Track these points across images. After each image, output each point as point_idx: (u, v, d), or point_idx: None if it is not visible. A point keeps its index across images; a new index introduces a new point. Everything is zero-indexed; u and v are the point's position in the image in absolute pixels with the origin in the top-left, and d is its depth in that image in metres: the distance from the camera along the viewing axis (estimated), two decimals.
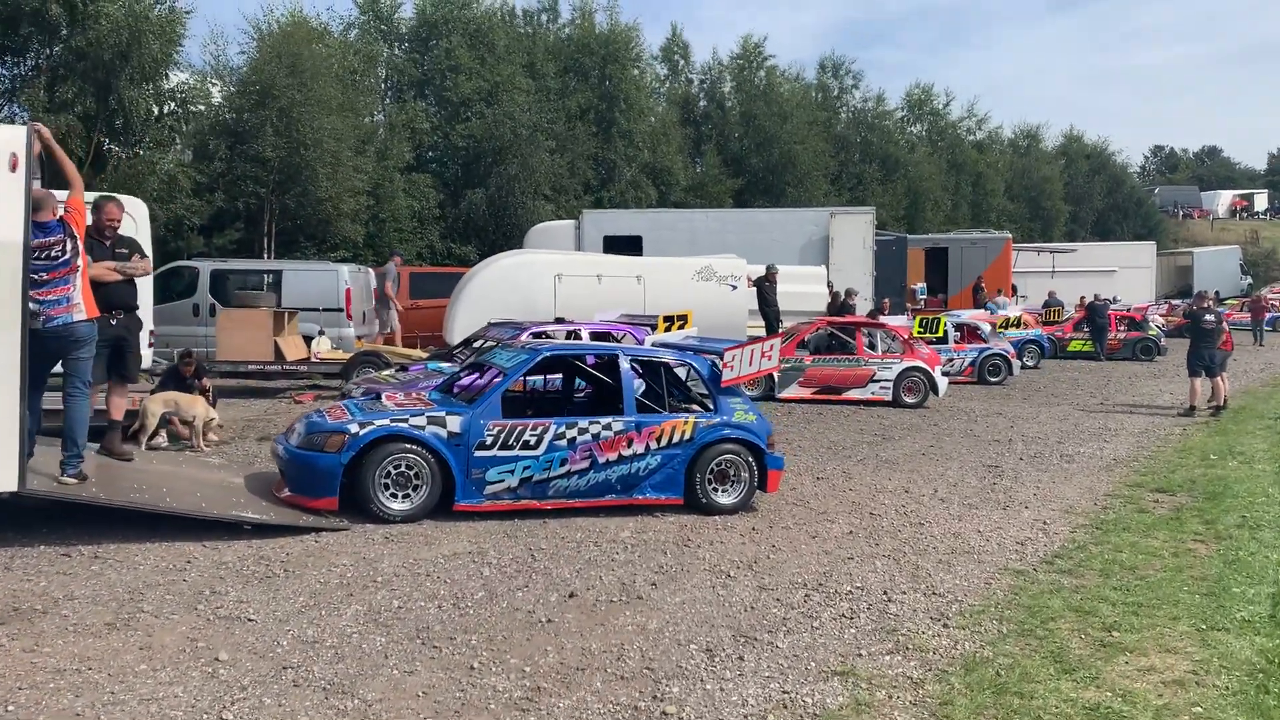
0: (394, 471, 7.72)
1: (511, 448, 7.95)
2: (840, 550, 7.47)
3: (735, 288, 18.18)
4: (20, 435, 6.46)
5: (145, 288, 13.30)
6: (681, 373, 9.21)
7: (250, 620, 5.54)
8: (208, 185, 24.23)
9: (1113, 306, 28.39)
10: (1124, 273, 38.87)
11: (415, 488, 7.76)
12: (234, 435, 11.69)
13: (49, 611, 5.57)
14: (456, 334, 16.42)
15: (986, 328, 21.04)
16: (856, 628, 5.81)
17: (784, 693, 4.89)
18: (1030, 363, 23.72)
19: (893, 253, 26.94)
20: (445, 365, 12.22)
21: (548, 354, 8.81)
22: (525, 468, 7.99)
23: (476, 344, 12.74)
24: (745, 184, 41.87)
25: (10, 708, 4.39)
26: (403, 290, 19.86)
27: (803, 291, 20.90)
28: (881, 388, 16.37)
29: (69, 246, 7.11)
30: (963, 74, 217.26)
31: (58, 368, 7.28)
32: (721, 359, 8.64)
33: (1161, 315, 33.06)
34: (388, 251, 26.09)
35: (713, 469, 8.40)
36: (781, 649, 5.44)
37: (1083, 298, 29.63)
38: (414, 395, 8.94)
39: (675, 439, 8.34)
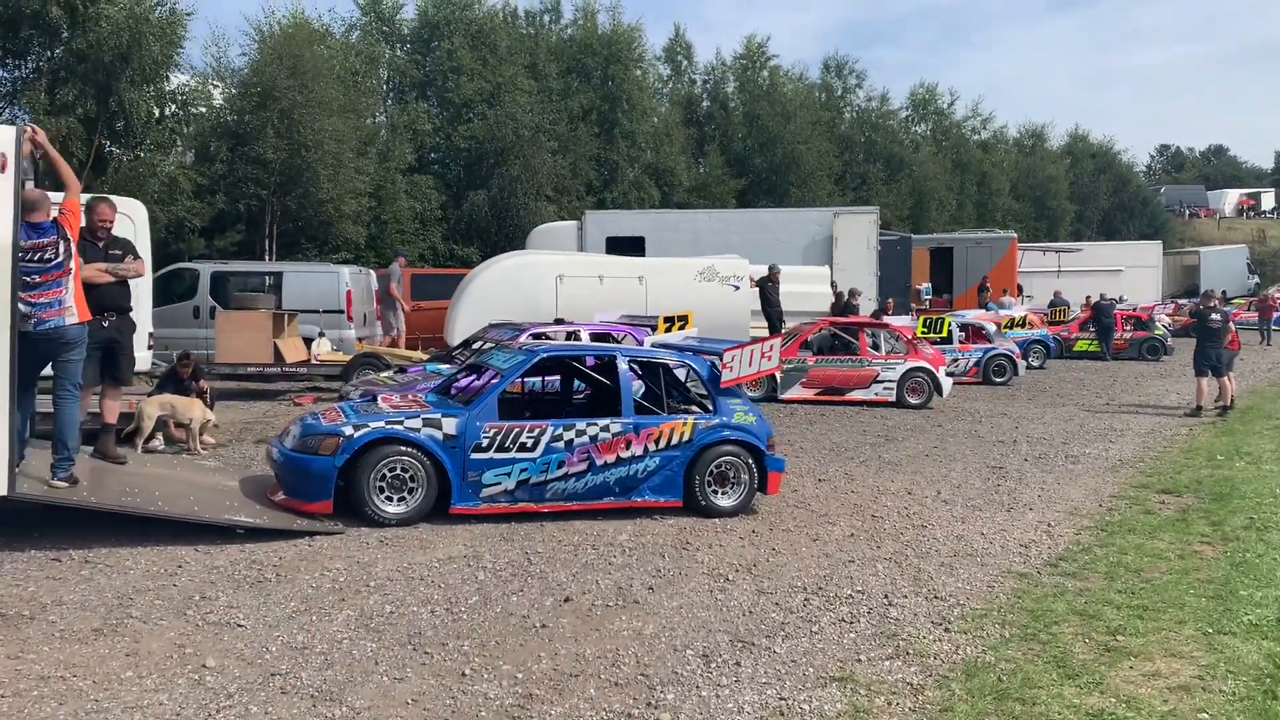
0: (389, 474, 7.63)
1: (508, 450, 7.86)
2: (841, 553, 7.37)
3: (738, 288, 18.08)
4: (10, 439, 6.38)
5: (144, 290, 13.30)
6: (681, 374, 9.11)
7: (240, 626, 5.46)
8: (209, 187, 24.16)
9: (1119, 306, 28.24)
10: (1130, 272, 38.70)
11: (410, 491, 7.67)
12: (231, 438, 11.62)
13: (36, 617, 5.49)
14: (457, 335, 16.34)
15: (991, 328, 20.91)
16: (856, 632, 5.72)
17: (781, 699, 4.80)
18: (1036, 363, 23.59)
19: (897, 253, 26.82)
20: (444, 367, 12.14)
21: (544, 355, 8.72)
22: (522, 470, 7.90)
23: (476, 345, 12.65)
24: (749, 184, 41.76)
25: None
26: (405, 292, 19.79)
27: (806, 292, 20.80)
28: (885, 388, 16.26)
29: (62, 249, 7.03)
30: (966, 74, 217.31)
31: (48, 370, 7.20)
32: (721, 360, 8.54)
33: (1168, 315, 32.89)
34: (391, 253, 26.04)
35: (712, 471, 8.31)
36: (779, 654, 5.35)
37: (1088, 297, 29.50)
38: (410, 397, 8.86)
39: (674, 441, 8.24)
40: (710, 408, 8.58)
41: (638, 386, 8.86)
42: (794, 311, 19.43)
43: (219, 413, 13.17)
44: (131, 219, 13.22)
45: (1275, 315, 34.46)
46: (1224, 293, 35.63)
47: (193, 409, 10.45)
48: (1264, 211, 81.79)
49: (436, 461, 7.69)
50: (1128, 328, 27.09)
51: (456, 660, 5.13)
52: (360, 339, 18.26)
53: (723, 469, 8.34)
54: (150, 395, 10.83)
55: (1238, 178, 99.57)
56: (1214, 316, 15.74)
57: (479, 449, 7.80)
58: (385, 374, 12.99)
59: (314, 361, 15.91)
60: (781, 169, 42.21)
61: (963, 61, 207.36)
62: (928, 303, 30.18)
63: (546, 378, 10.27)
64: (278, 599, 5.91)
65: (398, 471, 7.65)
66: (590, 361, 9.56)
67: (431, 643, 5.34)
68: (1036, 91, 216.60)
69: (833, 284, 22.35)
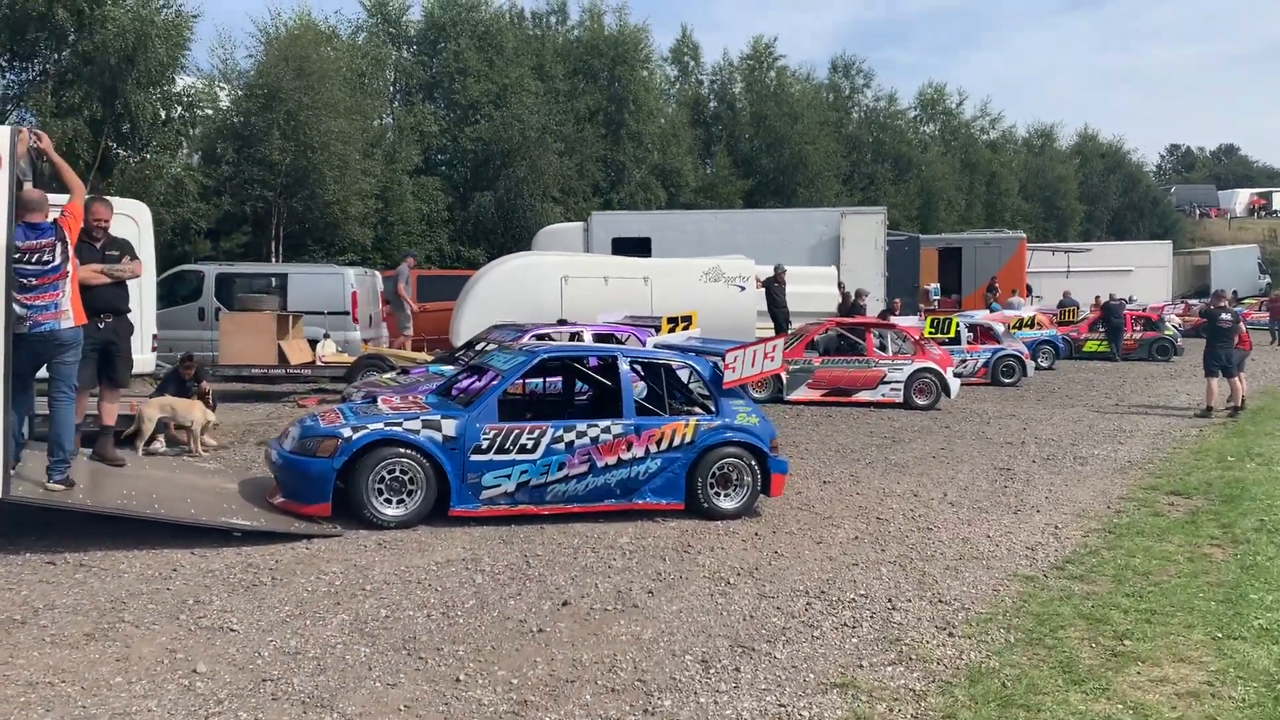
0: (388, 476, 7.57)
1: (508, 452, 7.79)
2: (845, 556, 7.28)
3: (743, 289, 17.99)
4: (4, 441, 6.33)
5: (148, 291, 13.26)
6: (683, 375, 9.03)
7: (233, 630, 5.39)
8: (215, 189, 24.16)
9: (1129, 306, 28.06)
10: (1140, 272, 38.49)
11: (410, 493, 7.60)
12: (233, 440, 11.57)
13: (27, 622, 5.44)
14: (463, 336, 16.26)
15: (1000, 328, 20.78)
16: (858, 637, 5.62)
17: (780, 706, 4.71)
18: (1045, 363, 23.44)
19: (905, 253, 26.69)
20: (447, 368, 12.06)
21: (545, 356, 8.64)
22: (522, 472, 7.83)
23: (479, 346, 12.59)
24: (756, 185, 41.63)
25: None
26: (412, 292, 19.70)
27: (813, 292, 20.69)
28: (892, 389, 16.14)
29: (59, 251, 6.98)
30: (975, 74, 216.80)
31: (45, 372, 7.15)
32: (723, 361, 8.45)
33: (1178, 315, 32.69)
34: (398, 254, 26.02)
35: (714, 473, 8.22)
36: (780, 660, 5.26)
37: (1098, 298, 29.31)
38: (410, 399, 8.79)
39: (676, 442, 8.16)
40: (712, 409, 8.49)
41: (639, 388, 8.78)
42: (800, 312, 19.31)
43: (221, 415, 13.13)
44: (135, 221, 13.17)
45: None
46: (1235, 293, 35.32)
47: (193, 411, 10.40)
48: (1275, 211, 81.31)
49: (436, 463, 7.62)
50: (1137, 328, 26.91)
51: (451, 665, 5.05)
52: (365, 340, 18.20)
53: (725, 471, 8.26)
54: (151, 397, 10.78)
55: (1249, 177, 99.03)
56: (1224, 316, 15.60)
57: (479, 451, 7.72)
58: (388, 375, 12.92)
59: (318, 363, 15.85)
60: (789, 169, 42.07)
61: (971, 61, 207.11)
62: (936, 303, 30.04)
63: (548, 379, 10.19)
64: (272, 603, 5.84)
65: (397, 474, 7.58)
66: (591, 362, 9.49)
67: (426, 647, 5.26)
68: (1046, 91, 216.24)
69: (840, 284, 22.24)
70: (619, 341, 12.33)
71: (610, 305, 16.17)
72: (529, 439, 7.84)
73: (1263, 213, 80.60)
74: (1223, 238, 69.23)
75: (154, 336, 13.56)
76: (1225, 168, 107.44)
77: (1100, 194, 63.95)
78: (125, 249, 8.00)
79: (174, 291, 18.42)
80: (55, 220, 7.20)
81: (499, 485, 7.79)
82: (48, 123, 19.84)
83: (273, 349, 15.25)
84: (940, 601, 6.28)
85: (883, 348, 16.63)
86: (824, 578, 6.73)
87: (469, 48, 33.88)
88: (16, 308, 6.73)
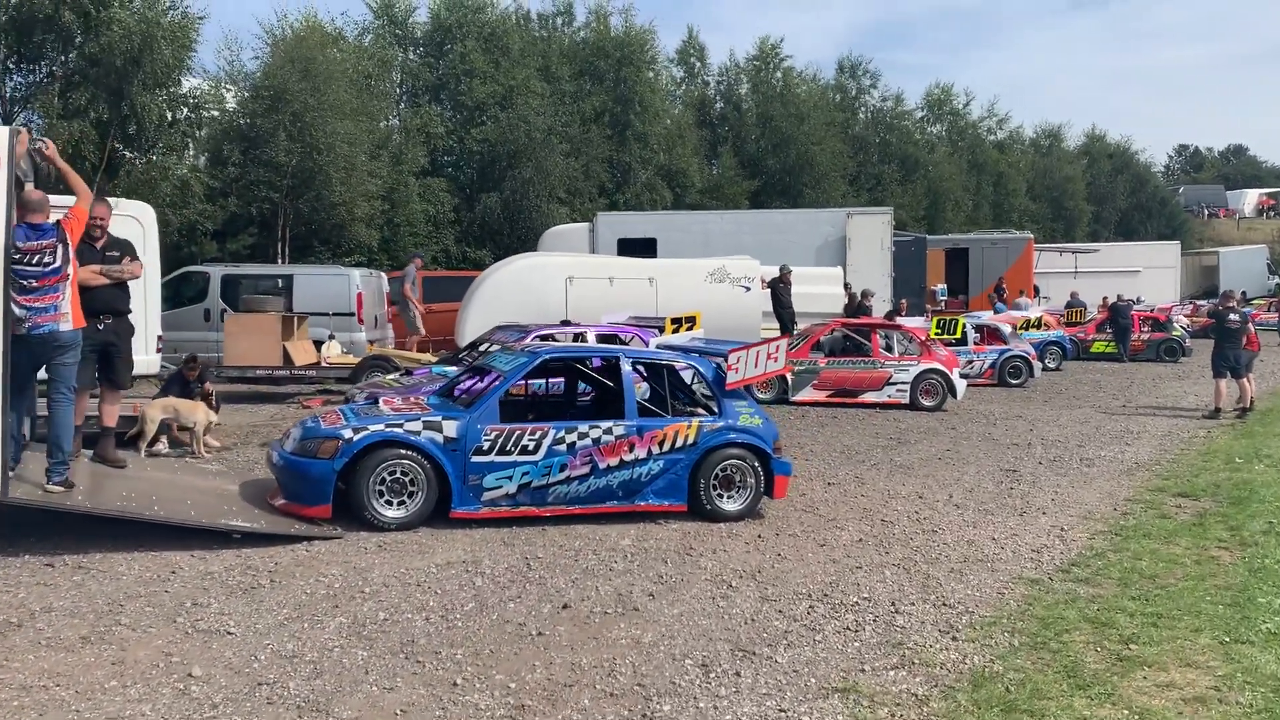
0: (389, 478, 7.53)
1: (509, 453, 7.74)
2: (848, 559, 7.22)
3: (749, 289, 17.93)
4: (3, 443, 6.30)
5: (153, 293, 13.25)
6: (687, 376, 8.98)
7: (229, 634, 5.36)
8: (221, 190, 24.19)
9: (1136, 307, 27.93)
10: (1148, 273, 38.32)
11: (410, 494, 7.57)
12: (237, 441, 11.54)
13: (24, 624, 5.41)
14: (468, 337, 16.23)
15: (1007, 329, 20.68)
16: (861, 641, 5.57)
17: (781, 711, 4.66)
18: (1052, 364, 23.32)
19: (912, 253, 26.60)
20: (451, 369, 12.03)
21: (546, 357, 8.59)
22: (524, 474, 7.78)
23: (482, 347, 12.55)
24: (762, 185, 41.57)
25: None
26: (418, 293, 19.67)
27: (818, 293, 20.63)
28: (898, 390, 16.07)
29: (60, 253, 6.96)
30: (982, 75, 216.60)
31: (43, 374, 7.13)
32: (726, 361, 8.40)
33: (1186, 316, 32.52)
34: (405, 255, 25.99)
35: (717, 474, 8.16)
36: (781, 664, 5.21)
37: (1105, 298, 29.20)
38: (411, 400, 8.75)
39: (678, 443, 8.10)
40: (715, 410, 8.43)
41: (642, 388, 8.72)
42: (806, 313, 19.27)
43: (226, 416, 13.11)
44: (140, 222, 13.17)
45: None
46: (1243, 293, 35.19)
47: (196, 412, 10.38)
48: None
49: (437, 465, 7.59)
50: (1145, 329, 26.77)
51: (449, 669, 5.01)
52: (371, 342, 18.19)
53: (728, 472, 8.20)
54: (155, 398, 10.76)
55: (1258, 177, 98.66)
56: (1233, 317, 15.51)
57: (480, 452, 7.68)
58: (391, 377, 12.90)
59: (323, 364, 15.84)
60: (795, 170, 41.99)
61: (979, 62, 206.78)
62: (943, 304, 29.94)
63: (550, 380, 10.15)
64: (270, 606, 5.80)
65: (397, 475, 7.54)
66: (594, 363, 9.44)
67: (424, 651, 5.22)
68: (1053, 92, 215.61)
69: (846, 285, 22.17)
70: (623, 342, 12.28)
71: (615, 306, 16.13)
72: (530, 440, 7.79)
73: (1272, 213, 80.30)
74: (1231, 238, 69.02)
75: (159, 338, 13.56)
76: (1234, 168, 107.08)
77: (1108, 194, 63.73)
78: (126, 249, 7.98)
79: (180, 293, 18.45)
80: (58, 222, 7.18)
81: (500, 487, 7.75)
82: (54, 124, 19.89)
83: (277, 350, 15.24)
84: (944, 605, 6.22)
85: (888, 349, 16.56)
86: (827, 580, 6.67)
87: (475, 49, 33.89)
88: (16, 309, 6.71)
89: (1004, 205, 53.83)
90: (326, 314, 17.74)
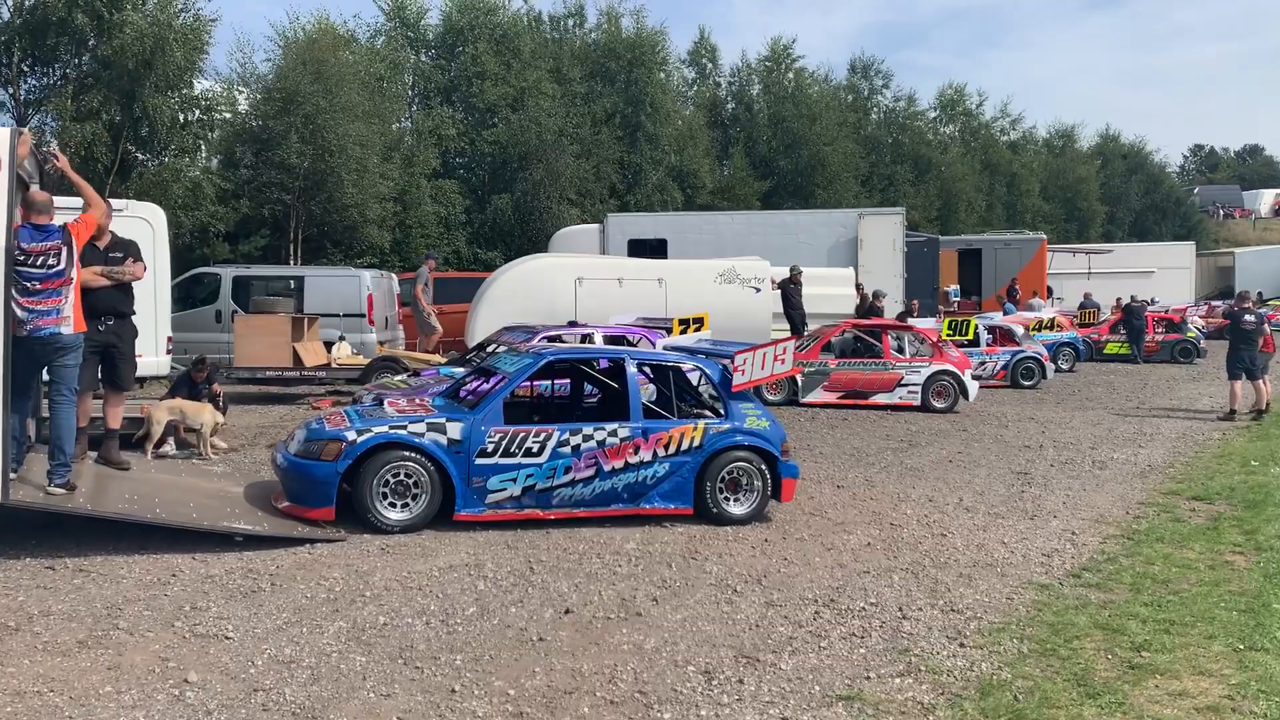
0: (392, 480, 7.48)
1: (514, 455, 7.68)
2: (856, 563, 7.13)
3: (759, 290, 17.84)
4: (4, 445, 6.27)
5: (163, 294, 13.26)
6: (693, 377, 8.90)
7: (227, 638, 5.31)
8: (233, 192, 24.25)
9: (1151, 308, 27.73)
10: (1162, 274, 38.07)
11: (414, 497, 7.52)
12: (244, 443, 11.52)
13: (21, 628, 5.37)
14: (478, 338, 16.20)
15: (1019, 330, 20.54)
16: (867, 647, 5.48)
17: (783, 719, 4.58)
18: (1065, 366, 23.15)
19: (924, 254, 26.45)
20: (458, 370, 11.98)
21: (551, 359, 8.53)
22: (528, 476, 7.72)
23: (490, 348, 12.50)
24: (773, 186, 41.43)
25: None
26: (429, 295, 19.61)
27: (829, 294, 20.49)
28: (909, 392, 15.95)
29: (65, 256, 6.94)
30: (996, 75, 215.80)
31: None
32: (732, 363, 8.32)
33: (1201, 317, 32.27)
34: (417, 256, 25.99)
35: (723, 477, 8.08)
36: (785, 671, 5.12)
37: (1119, 299, 29.00)
38: (416, 401, 8.70)
39: (684, 446, 8.03)
40: (722, 412, 8.35)
41: (648, 390, 8.65)
42: (817, 314, 19.14)
43: (235, 417, 13.11)
44: (150, 224, 13.18)
45: None
46: (1259, 294, 34.92)
47: (202, 413, 10.35)
48: None
49: (441, 467, 7.53)
50: (1159, 330, 26.58)
51: (447, 675, 4.95)
52: (381, 343, 18.18)
53: (734, 475, 8.12)
54: (161, 400, 10.75)
55: (1274, 177, 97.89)
56: (1248, 318, 15.34)
57: (484, 454, 7.63)
58: (399, 378, 12.86)
59: (333, 365, 15.83)
60: (807, 170, 41.86)
61: (992, 63, 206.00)
62: (956, 305, 29.78)
63: (557, 381, 10.08)
64: (270, 610, 5.75)
65: (401, 477, 7.49)
66: (598, 365, 9.37)
67: (423, 656, 5.16)
68: (1067, 92, 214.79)
69: (858, 286, 22.04)
70: (630, 343, 12.21)
71: (625, 307, 16.07)
72: (535, 442, 7.73)
73: None
74: (1247, 238, 68.49)
75: (168, 339, 13.56)
76: (1250, 168, 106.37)
77: (1122, 195, 63.33)
78: (130, 250, 7.95)
79: (191, 294, 18.50)
80: (64, 225, 7.17)
81: (504, 489, 7.69)
82: (67, 127, 19.97)
83: (287, 351, 15.23)
84: (952, 610, 6.12)
85: (900, 350, 16.44)
86: (833, 585, 6.58)
87: (487, 51, 33.90)
88: (18, 310, 6.70)
89: (1017, 206, 53.56)
90: (337, 315, 17.73)
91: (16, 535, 6.91)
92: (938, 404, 15.82)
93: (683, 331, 11.73)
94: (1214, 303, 39.04)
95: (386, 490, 7.47)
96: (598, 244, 23.61)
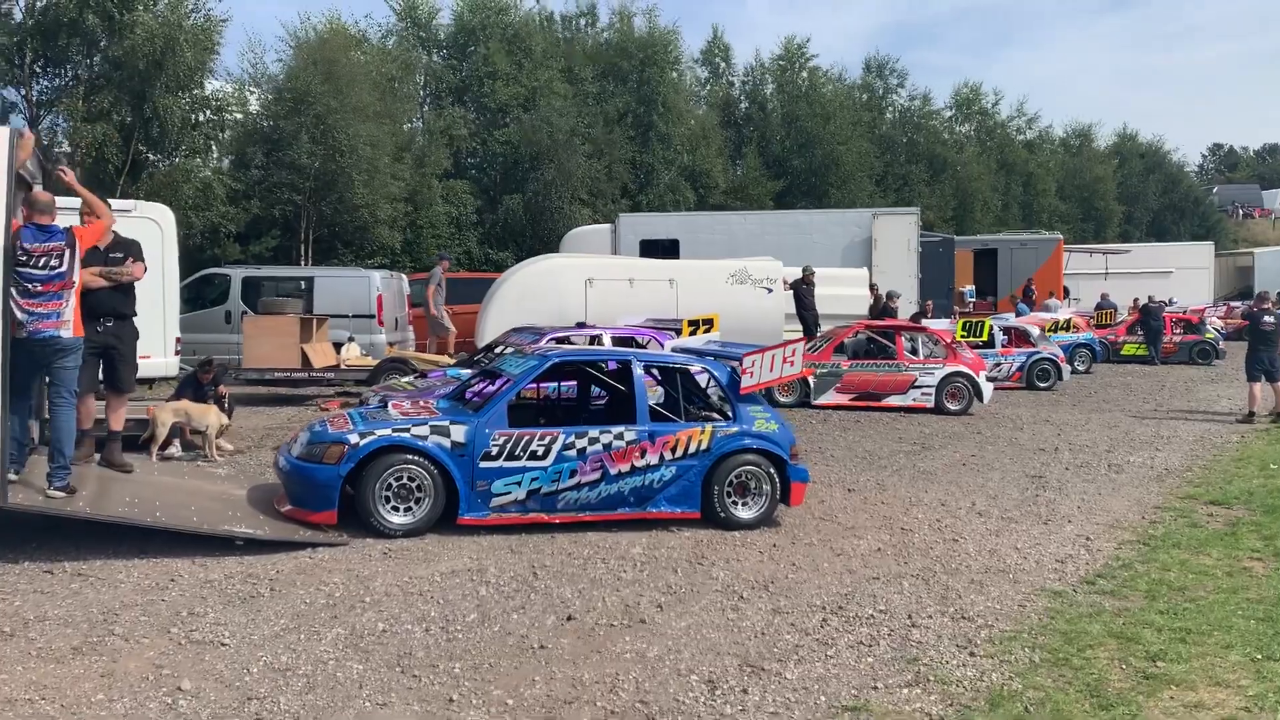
0: (395, 484, 7.40)
1: (518, 458, 7.59)
2: (866, 569, 7.01)
3: (771, 291, 17.69)
4: (2, 448, 6.21)
5: (171, 294, 13.22)
6: (701, 380, 8.78)
7: (223, 645, 5.23)
8: (244, 192, 24.26)
9: (1168, 309, 27.46)
10: (1180, 274, 37.68)
11: (417, 500, 7.43)
12: (251, 444, 11.46)
13: (16, 634, 5.30)
14: (487, 339, 16.11)
15: (1035, 331, 20.34)
16: (874, 656, 5.36)
17: None
18: (1081, 367, 22.92)
19: (939, 254, 26.22)
20: (466, 372, 11.90)
21: (556, 361, 8.43)
22: (533, 479, 7.63)
23: (497, 349, 12.41)
24: (787, 186, 41.21)
25: None
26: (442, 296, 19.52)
27: (843, 294, 20.32)
28: (923, 394, 15.80)
29: (69, 258, 6.89)
30: (1011, 74, 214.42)
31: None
32: (740, 365, 8.20)
33: (1220, 317, 31.94)
34: (428, 257, 25.94)
35: (731, 481, 7.96)
36: (790, 680, 5.01)
37: (1136, 300, 28.73)
38: (421, 404, 8.62)
39: (691, 449, 7.91)
40: (730, 415, 8.24)
41: (656, 393, 8.54)
42: (830, 315, 18.98)
43: (243, 418, 13.08)
44: (159, 224, 13.16)
45: None
46: (1279, 294, 34.46)
47: (208, 415, 10.30)
48: None
49: (444, 470, 7.45)
50: (1177, 331, 26.31)
51: (445, 684, 4.86)
52: (391, 344, 18.12)
53: (743, 479, 8.00)
54: (167, 401, 10.70)
55: None
56: (1267, 319, 15.14)
57: (488, 457, 7.54)
58: (405, 379, 12.78)
59: (342, 366, 15.78)
60: (821, 170, 41.61)
61: (1008, 61, 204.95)
62: (971, 305, 29.55)
63: (563, 384, 9.99)
64: (268, 615, 5.67)
65: (404, 481, 7.41)
66: (605, 367, 9.26)
67: (421, 664, 5.07)
68: (1084, 91, 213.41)
69: (873, 286, 21.86)
70: (639, 345, 12.10)
71: (635, 308, 15.95)
72: (540, 445, 7.64)
73: None
74: (1267, 238, 67.97)
75: (177, 340, 13.53)
76: (1269, 167, 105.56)
77: (1139, 194, 62.80)
78: (131, 250, 7.89)
79: (201, 295, 18.49)
80: (70, 228, 7.14)
81: (509, 493, 7.60)
82: (78, 127, 20.02)
83: (296, 352, 15.18)
84: (963, 618, 6.00)
85: (914, 351, 16.28)
86: (842, 592, 6.46)
87: (498, 51, 33.83)
88: (18, 312, 6.64)
89: (1033, 206, 53.14)
90: (347, 316, 17.69)
91: (16, 538, 6.85)
92: (952, 406, 15.66)
93: (692, 333, 11.62)
94: (1233, 303, 38.64)
95: (389, 494, 7.39)
96: (609, 244, 23.48)
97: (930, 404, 15.69)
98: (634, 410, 7.99)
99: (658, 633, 5.63)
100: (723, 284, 17.44)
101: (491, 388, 8.63)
